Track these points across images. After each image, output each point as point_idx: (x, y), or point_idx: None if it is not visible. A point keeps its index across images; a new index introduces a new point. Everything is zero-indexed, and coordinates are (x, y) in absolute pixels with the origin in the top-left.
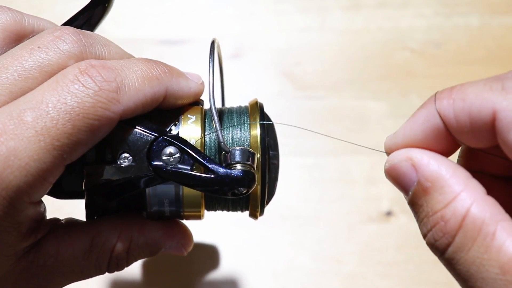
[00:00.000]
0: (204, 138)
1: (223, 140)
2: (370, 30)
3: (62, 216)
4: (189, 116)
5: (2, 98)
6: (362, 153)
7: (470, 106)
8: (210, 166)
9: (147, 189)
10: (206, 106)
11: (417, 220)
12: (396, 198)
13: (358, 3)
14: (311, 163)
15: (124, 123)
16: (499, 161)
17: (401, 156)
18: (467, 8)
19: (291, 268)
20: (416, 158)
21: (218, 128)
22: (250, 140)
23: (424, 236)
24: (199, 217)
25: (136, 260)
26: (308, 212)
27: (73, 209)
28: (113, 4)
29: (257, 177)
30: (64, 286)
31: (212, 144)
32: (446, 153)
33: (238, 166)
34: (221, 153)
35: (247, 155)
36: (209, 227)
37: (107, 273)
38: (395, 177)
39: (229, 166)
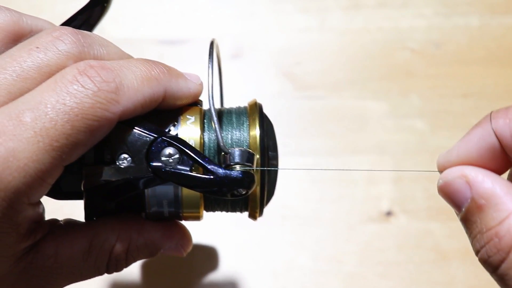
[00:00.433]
0: (204, 139)
1: (222, 141)
2: (370, 30)
3: (62, 217)
4: (188, 116)
5: (0, 99)
6: (362, 153)
7: None
8: (209, 167)
9: (146, 190)
10: (205, 106)
11: (470, 237)
12: (396, 198)
13: (358, 3)
14: (311, 163)
15: (123, 123)
16: None
17: (455, 174)
18: (467, 8)
19: (291, 268)
20: (471, 176)
21: (217, 129)
22: (249, 140)
23: (477, 252)
24: (198, 218)
25: (135, 261)
26: (308, 212)
27: (73, 210)
28: (111, 4)
29: (257, 178)
30: (63, 287)
31: (211, 145)
32: (499, 171)
33: (238, 167)
34: (221, 154)
35: (247, 156)
36: (209, 227)
37: (106, 274)
38: (449, 194)
39: (228, 167)
